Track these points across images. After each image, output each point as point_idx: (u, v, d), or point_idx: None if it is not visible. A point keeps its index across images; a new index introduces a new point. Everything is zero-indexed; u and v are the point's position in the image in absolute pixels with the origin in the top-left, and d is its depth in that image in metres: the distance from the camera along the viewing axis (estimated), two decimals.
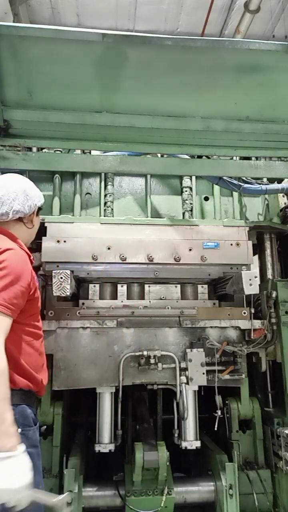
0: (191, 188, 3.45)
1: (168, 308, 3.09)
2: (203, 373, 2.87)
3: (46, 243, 2.88)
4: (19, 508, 1.49)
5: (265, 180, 3.32)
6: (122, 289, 3.25)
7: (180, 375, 2.90)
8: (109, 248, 2.91)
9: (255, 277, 2.84)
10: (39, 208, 2.21)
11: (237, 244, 3.02)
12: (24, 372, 1.87)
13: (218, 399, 2.96)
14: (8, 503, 1.46)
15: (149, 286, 3.27)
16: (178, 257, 2.93)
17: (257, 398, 3.25)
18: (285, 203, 3.61)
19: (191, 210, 3.39)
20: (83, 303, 3.13)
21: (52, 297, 3.04)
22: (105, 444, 2.82)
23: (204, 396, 3.14)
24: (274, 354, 3.11)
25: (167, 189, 3.53)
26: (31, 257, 2.04)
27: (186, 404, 2.86)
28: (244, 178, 3.13)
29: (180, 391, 2.88)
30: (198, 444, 2.86)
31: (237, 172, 2.93)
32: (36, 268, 2.89)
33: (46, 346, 2.86)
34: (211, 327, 3.08)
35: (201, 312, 3.09)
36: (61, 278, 2.68)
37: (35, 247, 3.09)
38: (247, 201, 3.54)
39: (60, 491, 2.74)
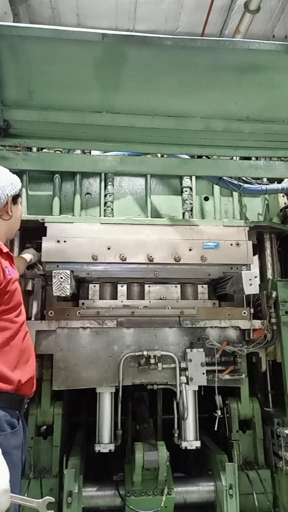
0: (191, 188, 3.45)
1: (168, 308, 3.09)
2: (203, 373, 2.87)
3: (46, 243, 2.87)
4: None
5: (265, 180, 3.32)
6: (122, 289, 3.25)
7: (180, 375, 2.89)
8: (109, 248, 2.91)
9: (255, 277, 2.84)
10: (17, 196, 2.09)
11: (237, 244, 3.02)
12: None
13: (218, 399, 2.95)
14: None
15: (149, 286, 3.27)
16: (178, 257, 2.93)
17: (257, 398, 3.25)
18: (285, 203, 3.60)
19: (191, 210, 3.39)
20: (83, 303, 3.13)
21: (52, 297, 3.05)
22: (105, 444, 2.82)
23: (204, 396, 3.14)
24: (274, 354, 3.11)
25: (167, 189, 3.53)
26: (4, 250, 1.91)
27: (186, 404, 2.86)
28: (244, 178, 3.13)
29: (180, 391, 2.88)
30: (198, 444, 2.86)
31: (237, 172, 2.93)
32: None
33: (46, 346, 2.92)
34: (211, 327, 3.08)
35: (201, 312, 3.10)
36: (61, 278, 2.68)
37: (35, 246, 3.11)
38: (247, 201, 3.54)
39: (60, 491, 2.75)
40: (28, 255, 2.79)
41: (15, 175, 2.11)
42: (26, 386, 1.89)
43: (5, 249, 1.93)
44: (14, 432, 1.77)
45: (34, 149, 2.86)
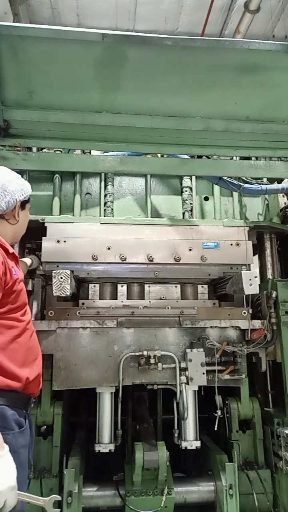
0: (191, 188, 3.45)
1: (168, 308, 3.09)
2: (203, 373, 2.87)
3: (46, 243, 2.88)
4: (5, 510, 1.43)
5: (265, 180, 3.32)
6: (122, 289, 3.25)
7: (180, 375, 2.89)
8: (109, 248, 2.91)
9: (255, 277, 2.84)
10: (26, 201, 2.12)
11: (237, 244, 3.02)
12: (3, 370, 1.75)
13: (218, 399, 2.95)
14: None
15: (149, 286, 3.27)
16: (178, 257, 2.93)
17: (257, 398, 3.25)
18: (285, 203, 3.61)
19: (191, 210, 3.39)
20: (83, 303, 3.13)
21: (52, 297, 3.05)
22: (105, 444, 2.82)
23: (204, 396, 3.14)
24: (274, 354, 3.11)
25: (167, 189, 3.53)
26: (10, 251, 1.94)
27: (186, 404, 2.86)
28: (244, 178, 3.13)
29: (180, 391, 2.88)
30: (198, 444, 2.86)
31: (237, 172, 2.93)
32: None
33: (46, 346, 2.91)
34: (211, 327, 3.08)
35: (201, 312, 3.09)
36: (61, 278, 2.68)
37: (35, 247, 3.11)
38: (247, 201, 3.54)
39: (60, 491, 2.75)
40: (28, 259, 2.82)
41: (26, 181, 2.13)
42: (33, 384, 1.91)
43: (11, 250, 1.97)
44: (22, 431, 1.78)
45: (34, 149, 2.87)
